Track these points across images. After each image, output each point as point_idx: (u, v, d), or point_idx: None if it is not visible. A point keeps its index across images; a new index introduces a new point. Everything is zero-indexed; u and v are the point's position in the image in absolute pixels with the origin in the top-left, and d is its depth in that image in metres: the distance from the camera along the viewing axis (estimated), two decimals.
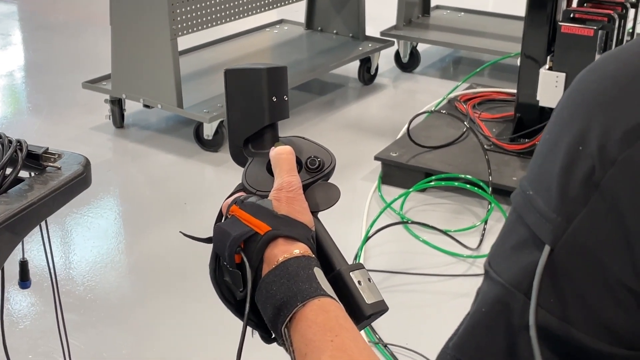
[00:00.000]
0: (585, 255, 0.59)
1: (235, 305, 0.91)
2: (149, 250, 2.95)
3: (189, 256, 2.71)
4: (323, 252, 0.91)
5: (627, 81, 0.60)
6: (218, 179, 3.50)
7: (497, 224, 3.06)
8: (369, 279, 0.89)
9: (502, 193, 3.13)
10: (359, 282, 0.87)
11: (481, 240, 2.95)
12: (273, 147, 0.95)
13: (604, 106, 0.60)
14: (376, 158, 3.37)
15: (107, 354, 2.40)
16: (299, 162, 0.94)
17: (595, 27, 2.99)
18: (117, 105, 3.83)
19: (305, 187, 0.93)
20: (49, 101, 4.30)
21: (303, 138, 0.98)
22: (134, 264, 2.90)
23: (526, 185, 0.64)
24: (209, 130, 3.60)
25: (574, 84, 0.64)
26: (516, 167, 3.27)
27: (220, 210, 0.94)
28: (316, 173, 0.94)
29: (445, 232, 3.00)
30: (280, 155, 0.93)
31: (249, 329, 0.89)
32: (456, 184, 3.20)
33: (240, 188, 0.96)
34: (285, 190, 0.89)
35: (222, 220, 0.93)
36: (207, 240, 0.94)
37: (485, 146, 3.34)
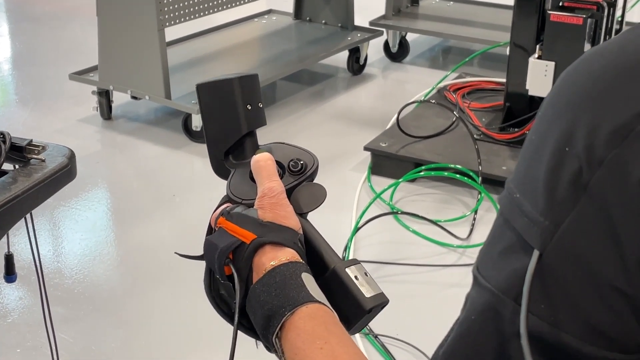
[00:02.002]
0: (575, 259, 0.58)
1: (232, 317, 0.90)
2: (138, 243, 2.93)
3: (178, 248, 2.69)
4: (315, 252, 0.90)
5: (613, 78, 0.58)
6: (207, 170, 3.45)
7: (487, 213, 3.06)
8: (366, 273, 0.88)
9: (491, 183, 3.13)
10: (356, 277, 0.87)
11: (471, 230, 2.95)
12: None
13: (590, 105, 0.58)
14: (366, 148, 3.36)
15: (96, 347, 2.39)
16: (281, 166, 0.94)
17: (584, 16, 2.99)
18: (104, 96, 3.81)
19: (291, 190, 0.92)
20: (36, 93, 4.27)
21: (283, 143, 0.98)
22: (123, 256, 2.88)
23: (512, 187, 0.63)
24: (197, 122, 3.58)
25: (559, 83, 0.62)
26: (506, 156, 3.27)
27: (210, 224, 0.94)
28: (299, 175, 0.94)
29: (435, 222, 2.99)
30: (259, 162, 0.92)
31: (253, 340, 0.88)
32: (446, 173, 3.19)
33: (227, 200, 0.96)
34: (268, 197, 0.89)
35: (211, 234, 0.92)
36: (202, 258, 0.94)
37: (474, 136, 3.34)
